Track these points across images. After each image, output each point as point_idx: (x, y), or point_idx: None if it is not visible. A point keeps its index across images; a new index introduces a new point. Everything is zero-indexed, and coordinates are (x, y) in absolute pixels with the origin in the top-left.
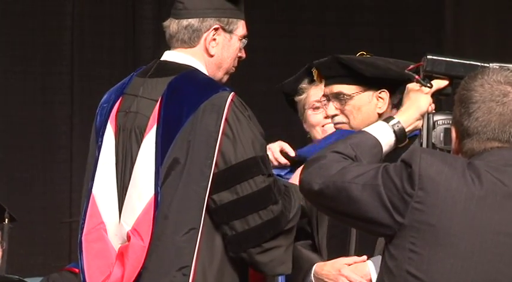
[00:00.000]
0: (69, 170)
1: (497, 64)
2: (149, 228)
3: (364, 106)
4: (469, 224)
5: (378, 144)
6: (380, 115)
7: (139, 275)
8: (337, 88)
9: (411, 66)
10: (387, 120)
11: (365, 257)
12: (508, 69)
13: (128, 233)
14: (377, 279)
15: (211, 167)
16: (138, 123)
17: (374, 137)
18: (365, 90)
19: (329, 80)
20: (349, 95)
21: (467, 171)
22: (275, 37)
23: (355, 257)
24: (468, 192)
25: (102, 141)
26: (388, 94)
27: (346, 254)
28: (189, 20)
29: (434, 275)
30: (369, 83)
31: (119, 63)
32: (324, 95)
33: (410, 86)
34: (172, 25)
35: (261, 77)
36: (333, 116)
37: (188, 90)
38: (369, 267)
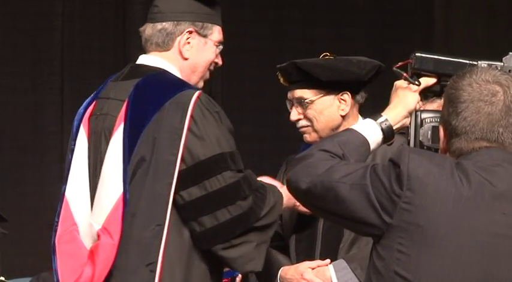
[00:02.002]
0: (60, 171)
1: (486, 62)
2: (118, 226)
3: (326, 109)
4: (457, 224)
5: (365, 142)
6: (343, 117)
7: (110, 273)
8: (299, 93)
9: (399, 64)
10: (375, 118)
11: (328, 260)
12: (497, 68)
13: (98, 232)
14: (365, 279)
15: (176, 164)
16: (107, 124)
17: (362, 135)
18: (326, 94)
19: (291, 85)
20: (311, 100)
21: (455, 172)
22: (264, 38)
23: (319, 260)
24: (456, 193)
25: (74, 145)
26: (350, 95)
27: (312, 257)
28: (163, 23)
29: (422, 276)
30: (329, 86)
31: (109, 64)
32: (288, 100)
33: (398, 83)
34: (147, 29)
35: (251, 78)
36: (296, 121)
37: (154, 90)
38: (330, 271)
